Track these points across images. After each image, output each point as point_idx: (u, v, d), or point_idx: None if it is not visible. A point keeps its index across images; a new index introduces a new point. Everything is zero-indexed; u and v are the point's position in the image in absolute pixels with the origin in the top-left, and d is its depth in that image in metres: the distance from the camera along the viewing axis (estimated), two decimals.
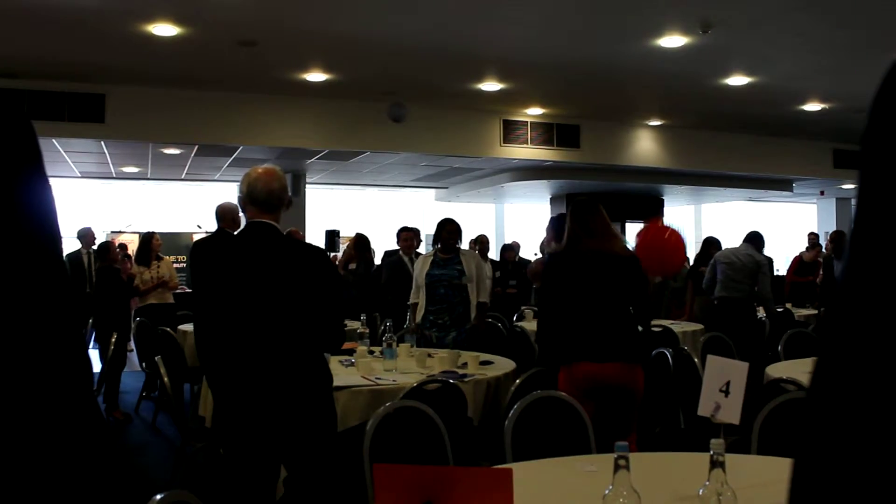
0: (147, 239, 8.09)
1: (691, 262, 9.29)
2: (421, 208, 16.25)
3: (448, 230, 5.86)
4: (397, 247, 7.88)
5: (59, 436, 0.79)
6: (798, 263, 10.60)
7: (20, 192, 0.79)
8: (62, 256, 0.85)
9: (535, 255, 10.19)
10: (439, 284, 5.80)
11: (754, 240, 7.41)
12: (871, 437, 0.46)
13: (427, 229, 14.88)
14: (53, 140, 9.05)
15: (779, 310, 8.35)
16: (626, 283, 3.79)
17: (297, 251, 3.01)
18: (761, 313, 7.58)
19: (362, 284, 7.96)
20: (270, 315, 2.82)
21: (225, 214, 5.93)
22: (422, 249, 8.67)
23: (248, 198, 2.90)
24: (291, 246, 3.06)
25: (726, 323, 6.75)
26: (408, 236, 7.49)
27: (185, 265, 12.19)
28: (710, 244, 8.41)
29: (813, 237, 11.46)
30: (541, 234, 4.90)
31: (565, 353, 3.73)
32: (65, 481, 0.78)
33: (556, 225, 4.86)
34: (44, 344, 0.79)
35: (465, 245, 6.64)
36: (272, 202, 2.92)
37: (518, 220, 17.83)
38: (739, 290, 7.09)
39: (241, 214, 5.94)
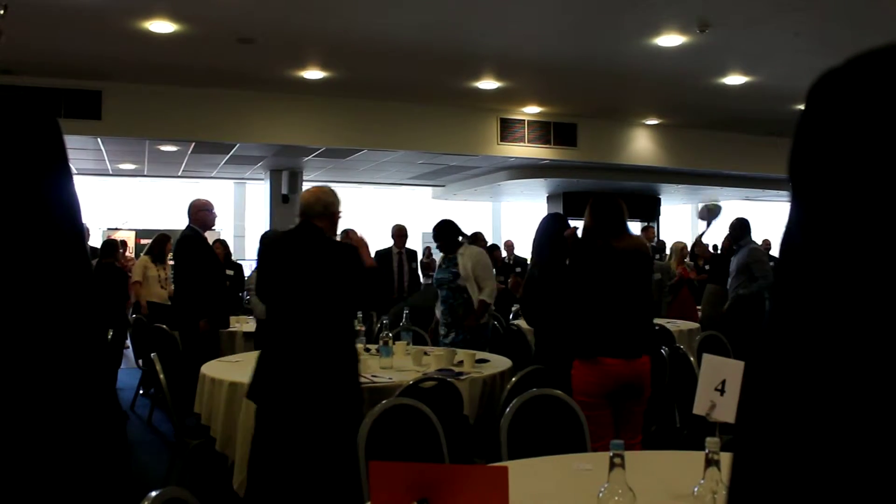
0: (163, 240, 8.37)
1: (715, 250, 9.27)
2: (418, 206, 16.25)
3: (435, 231, 5.91)
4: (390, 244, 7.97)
5: (74, 423, 0.82)
6: None
7: (49, 189, 0.83)
8: (87, 250, 0.88)
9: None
10: (441, 287, 5.83)
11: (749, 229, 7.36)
12: (802, 439, 0.47)
13: (424, 227, 14.92)
14: None
15: None
16: (645, 278, 3.87)
17: (332, 247, 3.62)
18: None
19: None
20: (316, 295, 3.48)
21: (196, 212, 5.91)
22: (413, 245, 8.78)
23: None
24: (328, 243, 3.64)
25: (749, 319, 6.78)
26: (396, 231, 7.61)
27: None
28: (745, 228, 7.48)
29: None
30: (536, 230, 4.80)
31: (591, 348, 3.70)
32: (72, 468, 0.80)
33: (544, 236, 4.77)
34: (67, 332, 0.82)
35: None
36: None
37: (515, 218, 17.84)
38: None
39: (214, 213, 5.97)
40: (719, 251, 9.00)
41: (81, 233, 0.86)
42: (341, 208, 3.67)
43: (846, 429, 0.45)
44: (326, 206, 3.57)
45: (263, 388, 3.50)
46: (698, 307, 8.76)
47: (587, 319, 3.74)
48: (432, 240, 6.19)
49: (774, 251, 11.47)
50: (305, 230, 3.58)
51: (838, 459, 0.45)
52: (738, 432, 0.53)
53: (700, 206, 7.46)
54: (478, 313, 5.69)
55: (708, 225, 9.18)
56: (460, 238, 5.92)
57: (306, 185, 12.47)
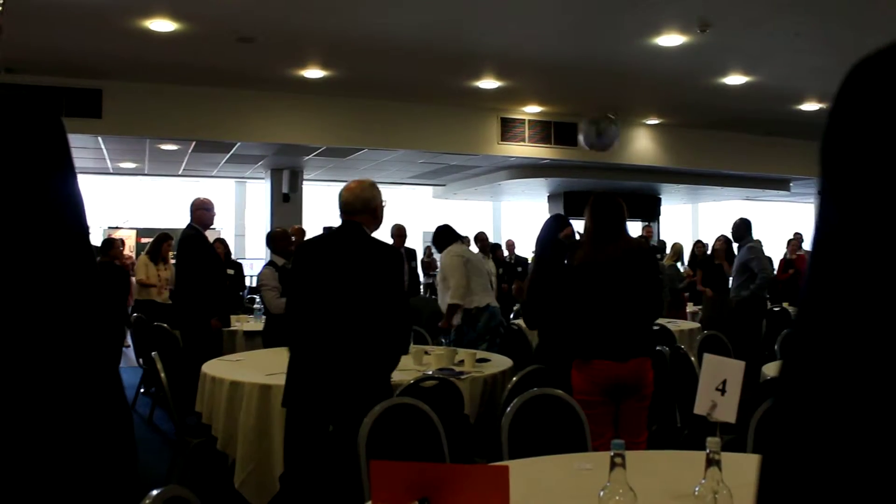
0: (162, 239, 8.38)
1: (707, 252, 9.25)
2: (418, 206, 16.25)
3: (433, 236, 5.98)
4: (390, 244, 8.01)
5: (82, 422, 0.82)
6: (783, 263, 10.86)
7: (55, 188, 0.84)
8: (92, 249, 0.88)
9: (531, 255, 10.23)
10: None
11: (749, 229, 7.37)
12: (836, 438, 0.47)
13: (424, 227, 14.95)
14: None
15: (775, 309, 8.36)
16: (640, 277, 3.79)
17: (377, 249, 3.45)
18: None
19: None
20: (356, 299, 3.33)
21: (195, 211, 6.03)
22: (412, 244, 8.77)
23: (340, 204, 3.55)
24: (373, 244, 3.48)
25: (750, 320, 6.82)
26: (395, 231, 7.64)
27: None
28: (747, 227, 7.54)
29: (798, 236, 11.52)
30: (538, 231, 4.81)
31: (583, 350, 3.73)
32: (80, 466, 0.80)
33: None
34: (75, 330, 0.83)
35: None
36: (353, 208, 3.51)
37: (515, 217, 17.84)
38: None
39: (213, 211, 6.01)
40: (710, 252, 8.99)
41: (87, 231, 0.87)
42: (384, 200, 3.54)
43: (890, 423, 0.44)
44: (366, 203, 3.46)
45: (299, 395, 3.36)
46: (695, 306, 8.77)
47: (577, 323, 3.78)
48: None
49: (769, 251, 11.49)
50: (347, 229, 3.47)
51: (885, 461, 0.44)
52: (774, 430, 0.52)
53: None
54: (447, 316, 5.84)
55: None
56: (461, 240, 6.00)
57: (307, 185, 12.50)
